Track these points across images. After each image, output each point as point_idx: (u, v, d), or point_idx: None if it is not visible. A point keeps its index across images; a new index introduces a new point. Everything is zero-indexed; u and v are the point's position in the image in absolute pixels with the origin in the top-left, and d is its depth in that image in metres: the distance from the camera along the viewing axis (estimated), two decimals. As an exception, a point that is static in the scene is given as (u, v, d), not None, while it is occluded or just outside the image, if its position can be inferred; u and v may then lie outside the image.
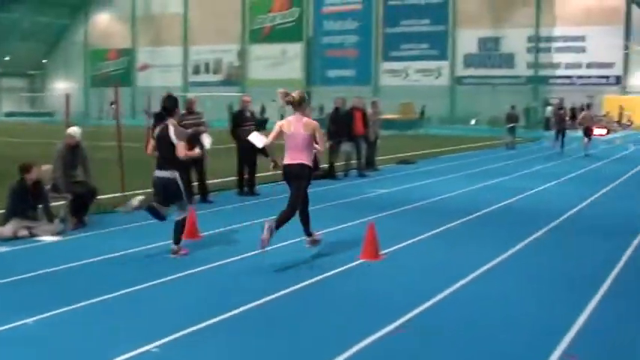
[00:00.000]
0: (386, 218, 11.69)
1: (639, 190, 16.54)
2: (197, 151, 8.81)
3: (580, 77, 57.46)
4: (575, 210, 12.88)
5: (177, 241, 8.61)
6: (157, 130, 8.52)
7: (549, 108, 43.89)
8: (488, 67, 61.06)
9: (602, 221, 11.78)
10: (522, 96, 53.44)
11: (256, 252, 8.53)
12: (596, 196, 15.01)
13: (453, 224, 11.10)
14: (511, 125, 30.03)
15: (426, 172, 19.96)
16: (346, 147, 18.35)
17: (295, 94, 8.73)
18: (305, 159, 8.58)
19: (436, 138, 37.36)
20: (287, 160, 8.64)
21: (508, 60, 60.44)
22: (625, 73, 56.49)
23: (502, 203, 13.66)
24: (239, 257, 8.62)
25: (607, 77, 56.79)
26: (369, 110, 20.55)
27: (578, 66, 57.55)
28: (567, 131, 28.45)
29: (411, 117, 45.58)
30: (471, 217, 11.90)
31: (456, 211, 12.47)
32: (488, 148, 30.46)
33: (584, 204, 13.68)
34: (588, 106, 33.86)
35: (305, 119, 8.72)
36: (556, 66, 58.17)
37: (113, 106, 41.23)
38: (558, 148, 27.26)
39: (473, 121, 42.26)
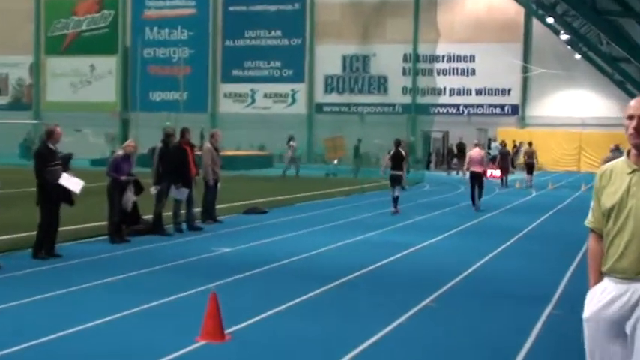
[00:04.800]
0: (231, 285, 11.52)
1: (544, 246, 17.28)
2: None
3: (469, 106, 60.12)
4: (470, 270, 13.21)
5: None
6: None
7: (495, 144, 46.13)
8: (356, 92, 62.83)
9: (504, 284, 12.14)
10: (397, 128, 54.85)
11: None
12: (493, 253, 15.52)
13: (317, 292, 11.05)
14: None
15: (281, 223, 20.04)
16: (178, 193, 18.04)
17: None
18: None
19: (292, 180, 37.70)
20: None
21: (380, 84, 62.49)
22: (524, 101, 59.47)
23: (380, 263, 13.83)
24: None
25: (502, 106, 59.78)
26: (207, 145, 20.43)
27: (467, 92, 60.26)
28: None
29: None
30: (340, 281, 11.92)
31: (321, 274, 12.49)
32: (362, 192, 31.13)
33: (480, 263, 14.09)
34: (529, 144, 39.09)
35: None
36: (439, 92, 60.60)
37: None
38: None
39: (335, 161, 43.30)
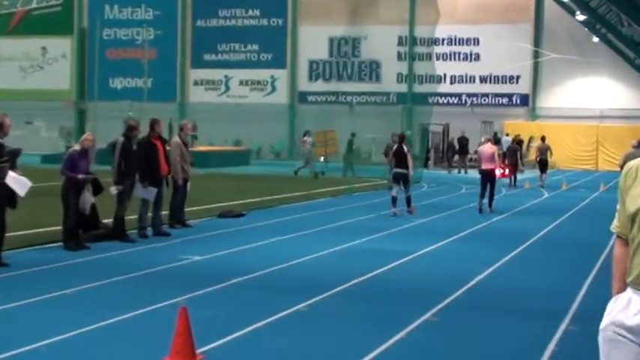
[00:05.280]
0: (204, 299, 11.47)
1: (558, 253, 17.31)
2: None
3: (472, 95, 60.48)
4: (476, 280, 13.22)
5: None
6: None
7: (506, 138, 45.90)
8: (344, 79, 63.06)
9: (513, 297, 12.16)
10: (391, 120, 55.07)
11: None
12: (501, 261, 15.55)
13: (300, 306, 11.00)
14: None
15: (261, 228, 20.03)
16: (145, 192, 17.96)
17: None
18: None
19: (274, 179, 37.75)
20: None
21: (371, 70, 62.60)
22: (534, 90, 59.81)
23: (373, 272, 13.80)
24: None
25: (510, 96, 60.10)
26: (175, 139, 20.36)
27: (470, 80, 60.63)
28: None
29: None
30: (327, 294, 11.87)
31: (306, 286, 12.47)
32: (352, 192, 31.29)
33: (486, 272, 14.09)
34: (542, 139, 38.59)
35: None
36: (438, 79, 60.72)
37: None
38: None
39: (322, 158, 43.42)
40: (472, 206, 26.07)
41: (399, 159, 23.98)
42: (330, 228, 20.41)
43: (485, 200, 25.04)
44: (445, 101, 60.38)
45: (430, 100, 60.24)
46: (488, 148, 25.57)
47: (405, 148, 24.39)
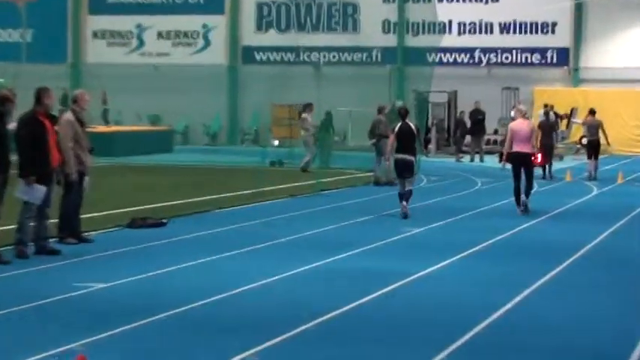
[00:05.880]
0: (109, 344, 11.45)
1: (612, 275, 17.34)
2: None
3: (488, 51, 60.81)
4: (497, 314, 13.21)
5: None
6: None
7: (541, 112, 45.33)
8: (307, 29, 63.15)
9: (551, 336, 12.17)
10: (375, 87, 54.78)
11: None
12: (533, 286, 15.55)
13: (247, 354, 10.95)
14: (373, 141, 31.52)
15: (189, 243, 20.07)
16: (29, 191, 17.83)
17: None
18: None
19: (209, 172, 37.75)
20: None
21: (346, 16, 62.80)
22: (577, 43, 60.02)
23: (351, 304, 13.77)
24: None
25: (542, 52, 60.38)
26: (66, 115, 20.17)
27: (486, 29, 61.00)
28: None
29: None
30: (283, 337, 11.83)
31: (249, 325, 12.52)
32: (321, 190, 31.36)
33: (512, 303, 14.08)
34: (591, 112, 38.25)
35: None
36: (441, 29, 60.69)
37: None
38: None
39: (276, 142, 43.45)
40: (491, 208, 26.16)
41: (407, 141, 24.18)
42: (289, 241, 20.38)
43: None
44: (451, 60, 60.79)
45: (430, 59, 59.98)
46: (522, 125, 25.78)
47: (412, 125, 24.60)
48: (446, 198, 30.05)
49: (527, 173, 25.41)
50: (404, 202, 24.09)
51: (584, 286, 15.99)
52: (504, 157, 26.14)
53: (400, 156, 24.12)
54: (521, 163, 25.34)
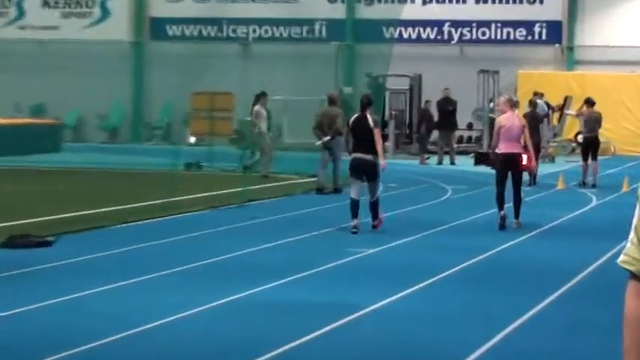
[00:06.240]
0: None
1: (615, 309, 17.38)
2: None
3: (461, 25, 61.26)
4: (473, 357, 13.23)
5: None
6: None
7: (541, 102, 45.15)
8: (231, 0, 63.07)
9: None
10: (318, 70, 55.07)
11: None
12: (517, 322, 15.57)
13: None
14: (327, 138, 31.80)
15: (80, 267, 20.07)
16: None
17: None
18: None
19: (106, 177, 37.71)
20: None
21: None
22: (571, 16, 60.61)
23: (286, 346, 13.73)
24: None
25: (529, 26, 61.00)
26: None
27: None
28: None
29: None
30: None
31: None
32: (248, 200, 31.25)
33: (490, 343, 14.10)
34: (589, 102, 37.99)
35: None
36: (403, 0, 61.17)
37: None
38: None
39: (192, 139, 43.63)
40: (464, 222, 26.31)
41: (362, 137, 24.26)
42: (208, 265, 20.40)
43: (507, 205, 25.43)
44: (414, 36, 61.26)
45: (387, 34, 60.98)
46: (512, 119, 25.86)
47: (370, 119, 24.59)
48: (407, 210, 30.27)
49: (515, 180, 25.40)
50: (356, 215, 24.11)
51: (580, 323, 16.02)
52: (492, 159, 26.14)
53: (358, 155, 24.16)
54: (510, 166, 25.35)
